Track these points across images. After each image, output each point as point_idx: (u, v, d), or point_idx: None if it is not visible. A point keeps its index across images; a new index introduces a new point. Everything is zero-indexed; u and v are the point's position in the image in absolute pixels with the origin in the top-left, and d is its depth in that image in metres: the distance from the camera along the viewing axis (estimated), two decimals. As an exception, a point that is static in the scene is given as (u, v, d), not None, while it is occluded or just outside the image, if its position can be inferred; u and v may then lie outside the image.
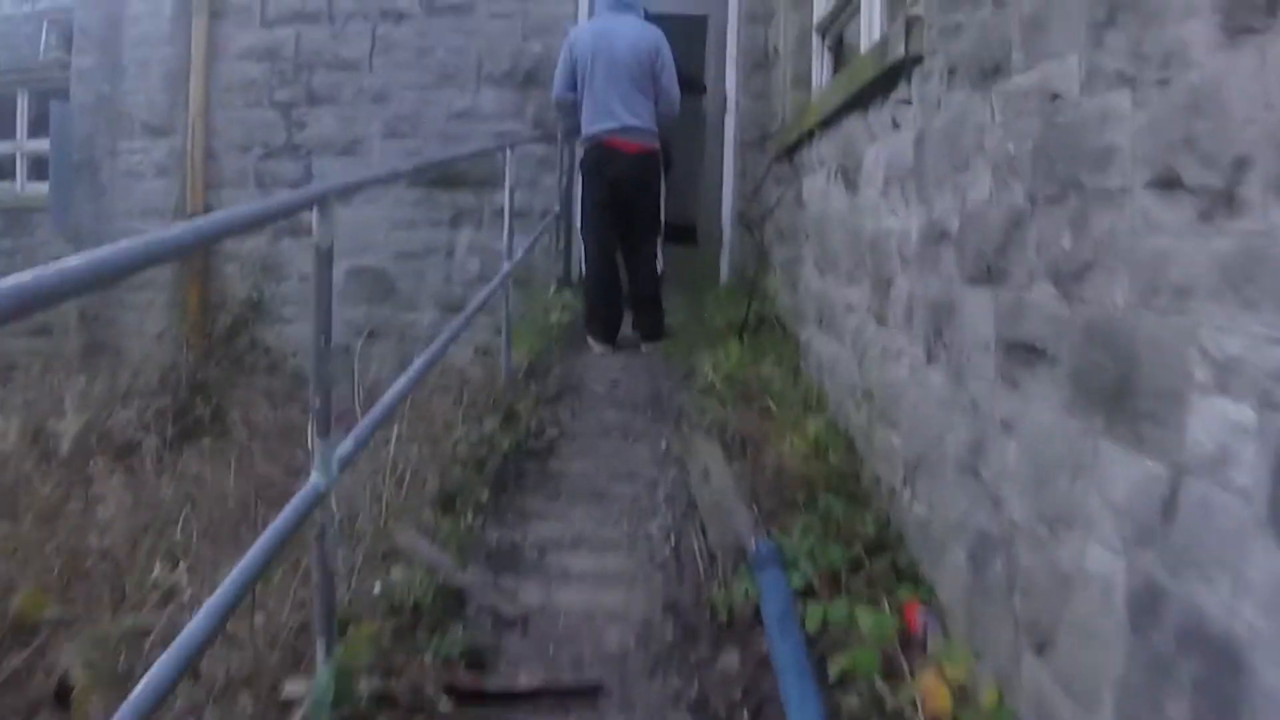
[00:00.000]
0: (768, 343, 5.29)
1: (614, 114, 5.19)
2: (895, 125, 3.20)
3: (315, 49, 7.57)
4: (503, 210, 7.11)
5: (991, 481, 2.26)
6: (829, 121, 4.26)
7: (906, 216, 3.03)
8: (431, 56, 7.38)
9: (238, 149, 7.75)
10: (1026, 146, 2.08)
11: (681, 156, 7.13)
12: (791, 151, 5.23)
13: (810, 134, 4.71)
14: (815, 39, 5.84)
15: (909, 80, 3.03)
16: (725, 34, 7.14)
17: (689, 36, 7.05)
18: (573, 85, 5.40)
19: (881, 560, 2.90)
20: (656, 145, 5.42)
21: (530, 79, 7.22)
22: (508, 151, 4.40)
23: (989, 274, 2.28)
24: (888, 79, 3.21)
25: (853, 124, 3.81)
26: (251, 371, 7.74)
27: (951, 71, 2.62)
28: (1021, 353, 2.09)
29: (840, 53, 5.82)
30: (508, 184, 4.44)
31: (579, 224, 5.87)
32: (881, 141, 3.38)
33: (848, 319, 3.88)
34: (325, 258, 2.04)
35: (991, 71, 2.30)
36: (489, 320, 7.16)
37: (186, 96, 7.75)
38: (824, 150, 4.45)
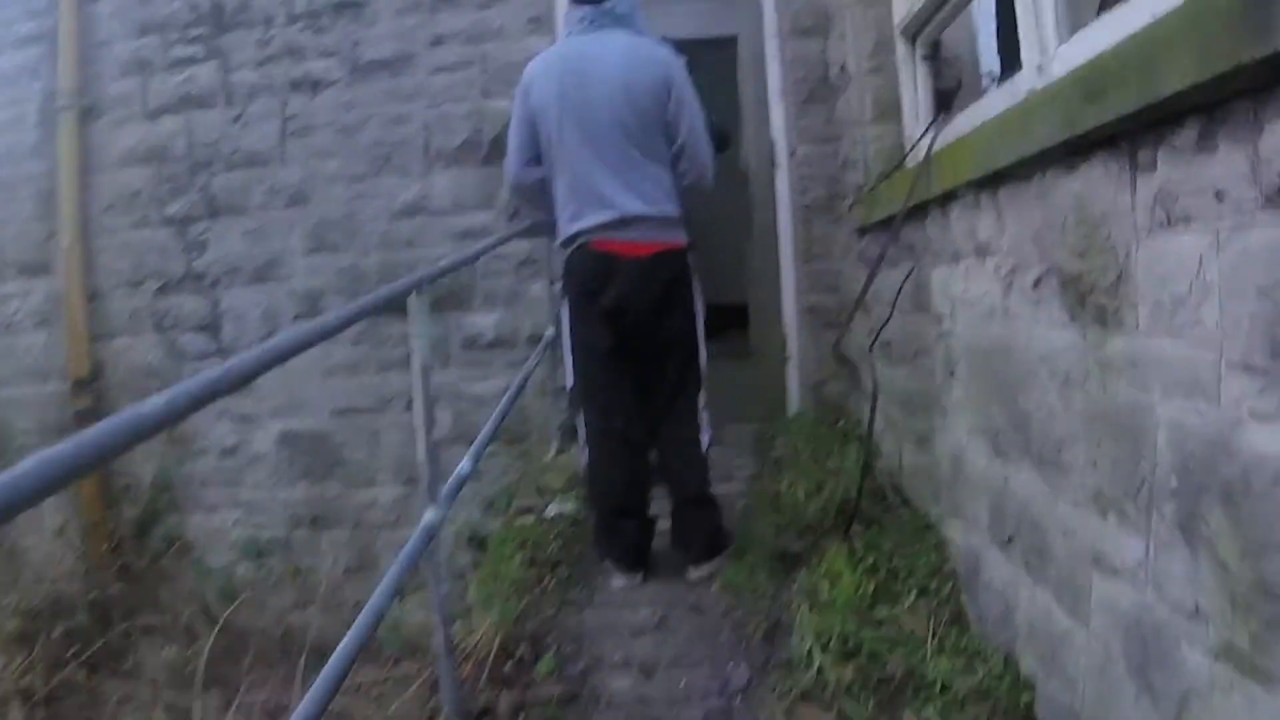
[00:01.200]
0: (891, 540, 3.29)
1: (603, 198, 3.23)
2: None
3: (211, 141, 5.81)
4: (478, 338, 5.32)
5: None
6: (1004, 177, 2.32)
7: None
8: (362, 134, 5.55)
9: (127, 285, 5.98)
10: None
11: (716, 231, 5.22)
12: (896, 222, 3.24)
13: (949, 198, 2.76)
14: (901, 46, 3.98)
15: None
16: (763, 57, 5.21)
17: (712, 66, 5.15)
18: (536, 155, 3.41)
19: None
20: (682, 241, 3.40)
21: (499, 149, 5.31)
22: (412, 296, 2.45)
23: None
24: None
25: (1093, 187, 1.84)
26: (169, 580, 5.92)
27: None
28: None
29: (939, 65, 3.95)
30: (416, 361, 2.47)
31: (569, 381, 3.85)
32: (1233, 230, 1.40)
33: (1103, 583, 1.91)
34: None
35: None
36: (471, 492, 5.31)
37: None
38: (988, 230, 2.50)
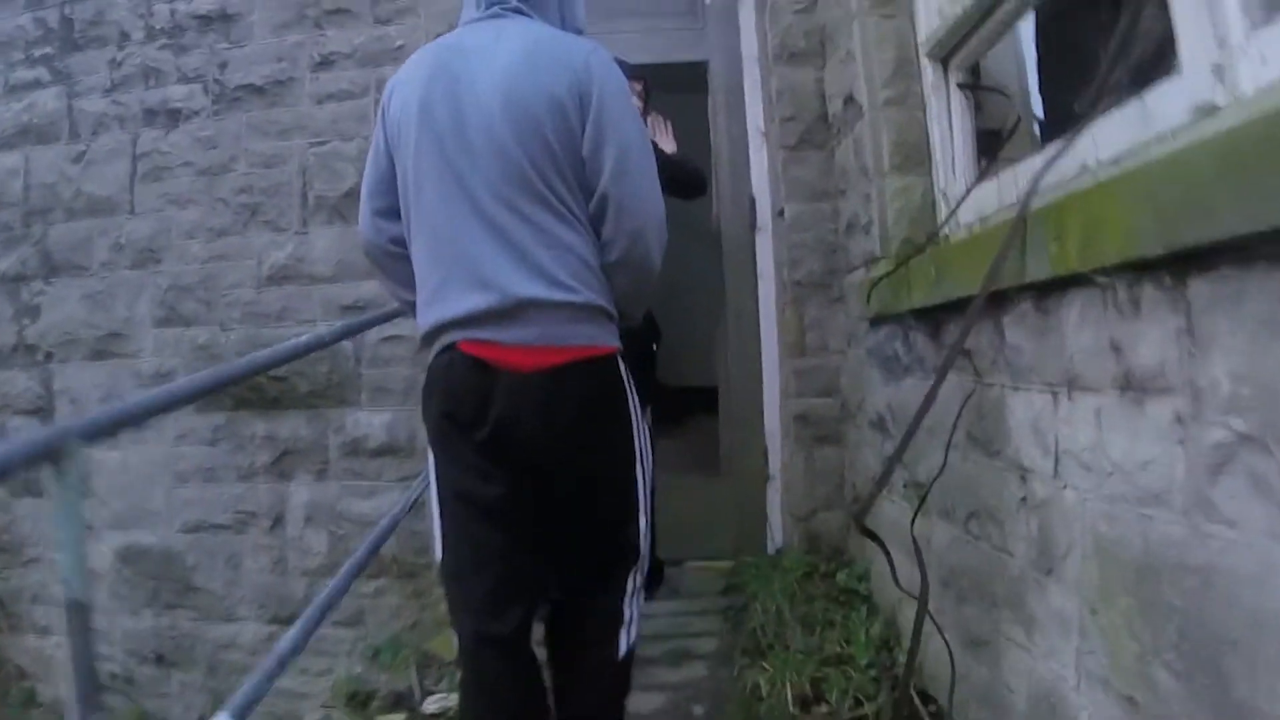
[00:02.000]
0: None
1: (479, 273, 1.99)
2: None
3: (51, 182, 4.69)
4: (363, 442, 4.14)
5: None
6: (1211, 257, 1.21)
7: None
8: (227, 178, 4.42)
9: (-48, 356, 4.79)
10: None
11: (680, 300, 4.18)
12: (970, 317, 2.08)
13: (1059, 286, 1.64)
14: (930, 71, 2.91)
15: None
16: (741, 89, 4.10)
17: (676, 101, 4.04)
18: (394, 203, 2.18)
19: None
20: (609, 344, 2.11)
21: (399, 200, 4.21)
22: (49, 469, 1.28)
23: None
24: None
25: None
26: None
27: None
28: None
29: (980, 96, 2.90)
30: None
31: (436, 550, 2.46)
32: None
33: None
34: None
35: None
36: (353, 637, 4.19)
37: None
38: (1157, 349, 1.42)
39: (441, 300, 2.02)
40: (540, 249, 1.97)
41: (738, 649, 3.12)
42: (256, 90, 4.38)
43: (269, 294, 4.29)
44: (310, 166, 4.30)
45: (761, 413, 4.03)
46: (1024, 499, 1.90)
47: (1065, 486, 1.71)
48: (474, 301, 1.97)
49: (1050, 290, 1.68)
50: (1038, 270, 1.66)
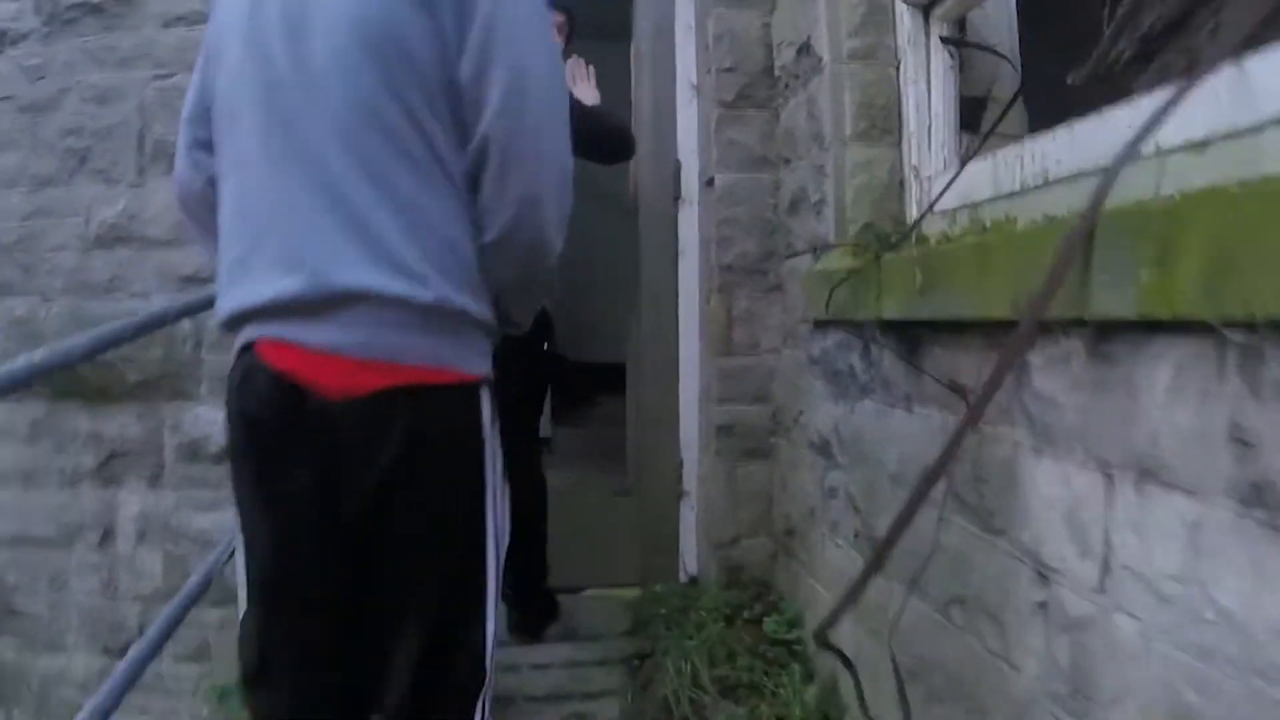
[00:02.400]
0: None
1: (290, 241, 1.35)
2: None
3: None
4: (203, 444, 3.44)
5: None
6: None
7: None
8: (54, 116, 3.64)
9: None
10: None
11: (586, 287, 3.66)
12: (919, 335, 1.50)
13: (1165, 326, 1.05)
14: (909, 20, 2.36)
15: None
16: (672, 32, 3.42)
17: (595, 44, 3.38)
18: (209, 136, 1.54)
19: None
20: (469, 370, 1.42)
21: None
22: None
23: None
24: None
25: None
26: None
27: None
28: None
29: (964, 51, 2.35)
30: None
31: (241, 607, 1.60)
32: None
33: None
34: None
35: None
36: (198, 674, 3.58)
37: None
38: None
39: (241, 279, 1.40)
40: (386, 216, 1.33)
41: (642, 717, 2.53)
42: (93, 9, 3.59)
43: (97, 259, 3.53)
44: (150, 104, 3.53)
45: (677, 419, 3.41)
46: (1043, 604, 1.33)
47: (1119, 610, 1.14)
48: (278, 285, 1.35)
49: (1121, 332, 1.09)
50: (1113, 304, 1.06)
